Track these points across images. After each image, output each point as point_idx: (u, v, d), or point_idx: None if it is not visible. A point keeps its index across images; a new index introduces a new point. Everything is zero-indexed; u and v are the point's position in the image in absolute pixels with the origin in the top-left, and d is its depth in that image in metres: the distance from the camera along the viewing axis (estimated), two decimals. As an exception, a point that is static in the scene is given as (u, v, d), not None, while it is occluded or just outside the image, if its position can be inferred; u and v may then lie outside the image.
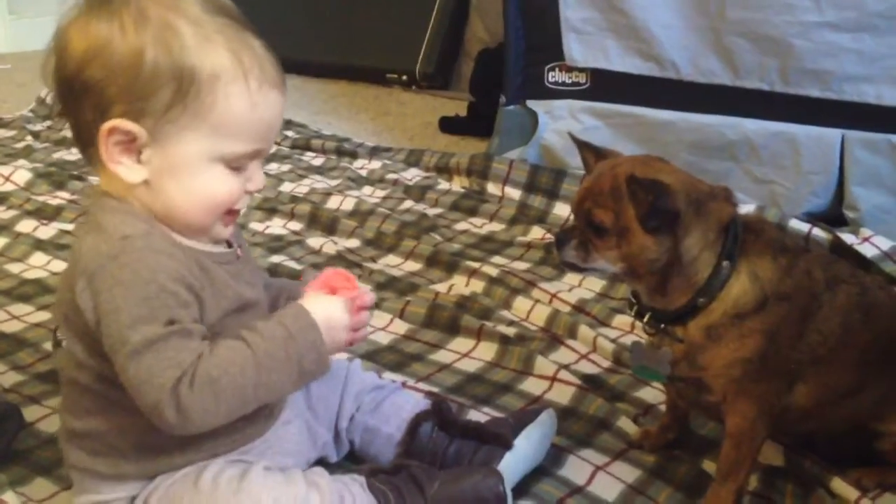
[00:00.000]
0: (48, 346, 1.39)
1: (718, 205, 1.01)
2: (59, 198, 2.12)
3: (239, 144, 0.89)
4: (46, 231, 1.93)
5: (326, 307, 0.92)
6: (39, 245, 1.85)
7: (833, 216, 1.93)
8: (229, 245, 0.98)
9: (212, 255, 0.93)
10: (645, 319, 1.06)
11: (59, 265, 1.75)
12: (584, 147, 1.09)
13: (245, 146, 0.89)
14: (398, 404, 1.14)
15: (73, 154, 2.48)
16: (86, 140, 0.89)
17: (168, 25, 0.85)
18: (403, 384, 1.29)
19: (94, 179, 2.23)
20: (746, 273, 1.01)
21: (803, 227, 1.77)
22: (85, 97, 0.86)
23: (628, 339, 1.46)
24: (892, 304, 1.11)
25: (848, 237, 1.74)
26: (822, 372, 1.04)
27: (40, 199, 2.10)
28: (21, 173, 2.23)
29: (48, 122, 2.76)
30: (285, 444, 1.02)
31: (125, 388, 0.86)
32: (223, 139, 0.88)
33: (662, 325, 1.05)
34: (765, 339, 1.00)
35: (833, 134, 1.93)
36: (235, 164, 0.90)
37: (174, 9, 0.86)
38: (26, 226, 1.95)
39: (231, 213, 0.93)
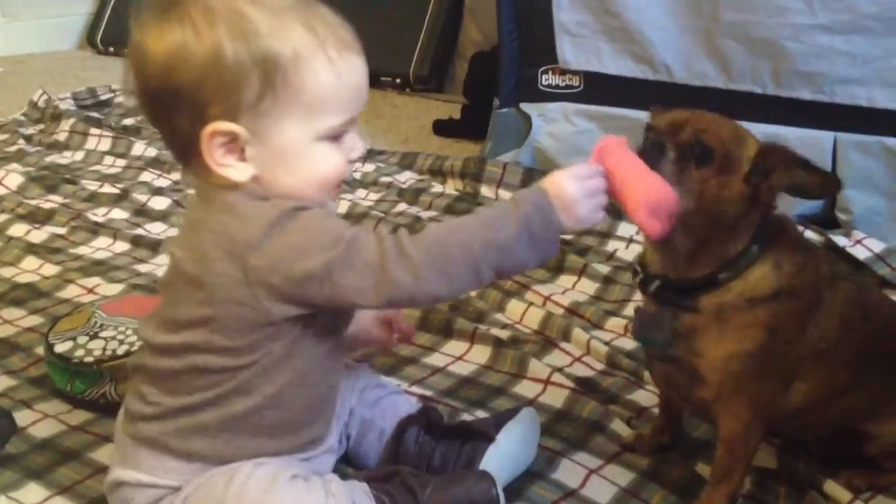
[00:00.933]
0: (40, 350, 1.38)
1: None
2: (52, 201, 2.10)
3: (334, 117, 0.90)
4: (39, 235, 1.92)
5: (557, 175, 0.92)
6: (32, 249, 1.84)
7: (825, 219, 1.92)
8: None
9: None
10: (652, 289, 1.03)
11: (52, 269, 1.74)
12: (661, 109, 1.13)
13: (340, 117, 0.90)
14: (396, 403, 1.15)
15: (66, 158, 2.47)
16: (184, 149, 0.89)
17: (237, 14, 0.85)
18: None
19: (86, 183, 2.23)
20: (771, 261, 1.00)
21: (796, 229, 1.78)
22: (178, 105, 0.86)
23: (622, 342, 1.47)
24: (886, 303, 1.12)
25: (840, 239, 1.74)
26: (819, 369, 1.04)
27: (32, 202, 2.09)
28: (13, 177, 2.21)
29: (40, 126, 2.75)
30: (321, 468, 1.03)
31: (261, 370, 0.91)
32: (319, 116, 0.89)
33: (670, 296, 1.02)
34: (767, 333, 1.00)
35: (825, 136, 1.93)
36: (335, 136, 0.91)
37: None
38: (18, 229, 1.94)
39: (339, 184, 0.95)
